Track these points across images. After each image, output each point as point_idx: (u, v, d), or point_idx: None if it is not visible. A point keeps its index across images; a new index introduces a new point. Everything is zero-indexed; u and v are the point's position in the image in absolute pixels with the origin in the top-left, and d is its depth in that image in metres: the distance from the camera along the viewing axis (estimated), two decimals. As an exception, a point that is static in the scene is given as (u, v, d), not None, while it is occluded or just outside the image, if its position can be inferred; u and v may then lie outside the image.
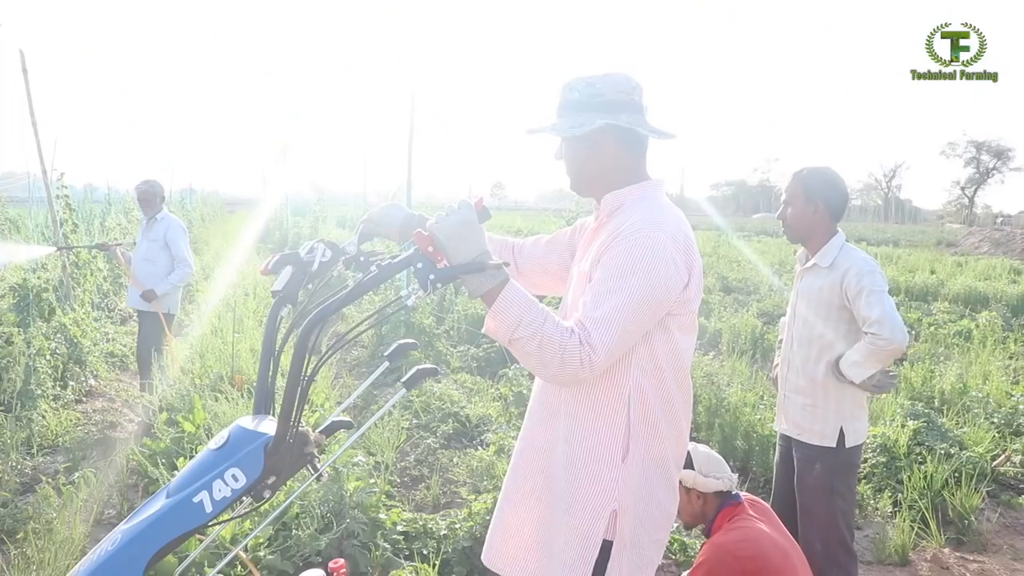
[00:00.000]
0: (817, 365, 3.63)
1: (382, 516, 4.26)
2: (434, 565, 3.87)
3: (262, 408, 2.17)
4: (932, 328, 11.99)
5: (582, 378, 1.95)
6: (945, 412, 7.03)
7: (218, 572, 3.26)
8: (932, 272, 21.90)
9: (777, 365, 3.95)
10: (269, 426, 2.04)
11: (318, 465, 2.06)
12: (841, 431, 3.56)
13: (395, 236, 2.44)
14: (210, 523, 1.97)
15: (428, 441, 6.06)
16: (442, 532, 4.22)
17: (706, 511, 3.32)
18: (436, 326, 9.27)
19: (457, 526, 4.22)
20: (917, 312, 13.83)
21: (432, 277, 1.94)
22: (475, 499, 4.56)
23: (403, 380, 2.18)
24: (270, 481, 1.99)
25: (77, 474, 5.19)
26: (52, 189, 8.77)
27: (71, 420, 6.56)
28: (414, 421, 6.43)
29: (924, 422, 6.22)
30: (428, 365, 2.21)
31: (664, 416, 2.17)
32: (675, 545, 4.47)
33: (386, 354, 2.26)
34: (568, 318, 2.05)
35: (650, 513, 2.19)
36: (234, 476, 1.94)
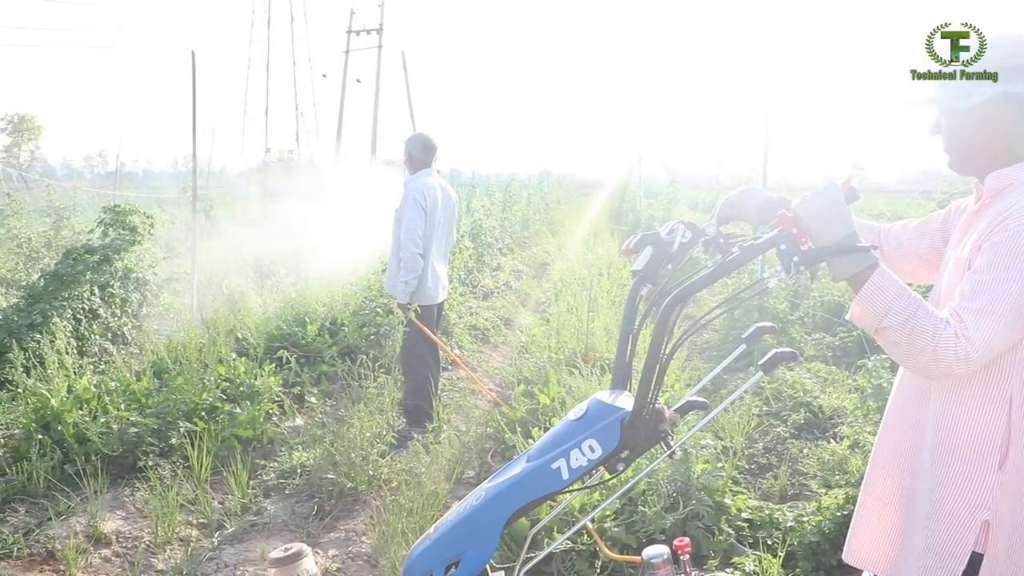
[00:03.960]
0: None
1: (727, 501, 4.22)
2: (779, 557, 3.78)
3: (620, 384, 2.23)
4: None
5: (956, 373, 1.79)
6: None
7: (567, 539, 3.42)
8: None
9: None
10: (626, 401, 2.09)
11: (671, 443, 2.08)
12: None
13: (753, 219, 2.38)
14: (564, 490, 2.06)
15: (777, 429, 5.91)
16: (788, 524, 4.09)
17: None
18: (790, 312, 9.01)
19: (805, 519, 4.08)
20: None
21: (796, 259, 1.88)
22: (826, 493, 4.40)
23: (761, 363, 2.14)
24: (624, 455, 2.04)
25: (443, 435, 5.62)
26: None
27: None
28: (764, 408, 6.30)
29: None
30: (786, 349, 2.15)
31: None
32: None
33: (744, 336, 2.23)
34: (942, 307, 1.91)
35: None
36: (591, 447, 2.02)
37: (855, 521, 2.34)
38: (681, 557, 2.34)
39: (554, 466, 2.04)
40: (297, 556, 2.45)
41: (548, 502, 2.22)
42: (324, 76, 65.57)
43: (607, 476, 2.14)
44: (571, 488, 2.08)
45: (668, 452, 2.08)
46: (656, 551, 2.29)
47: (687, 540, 2.37)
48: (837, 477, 4.69)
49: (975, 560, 1.96)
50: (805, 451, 5.45)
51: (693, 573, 2.35)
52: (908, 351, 1.82)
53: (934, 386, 2.04)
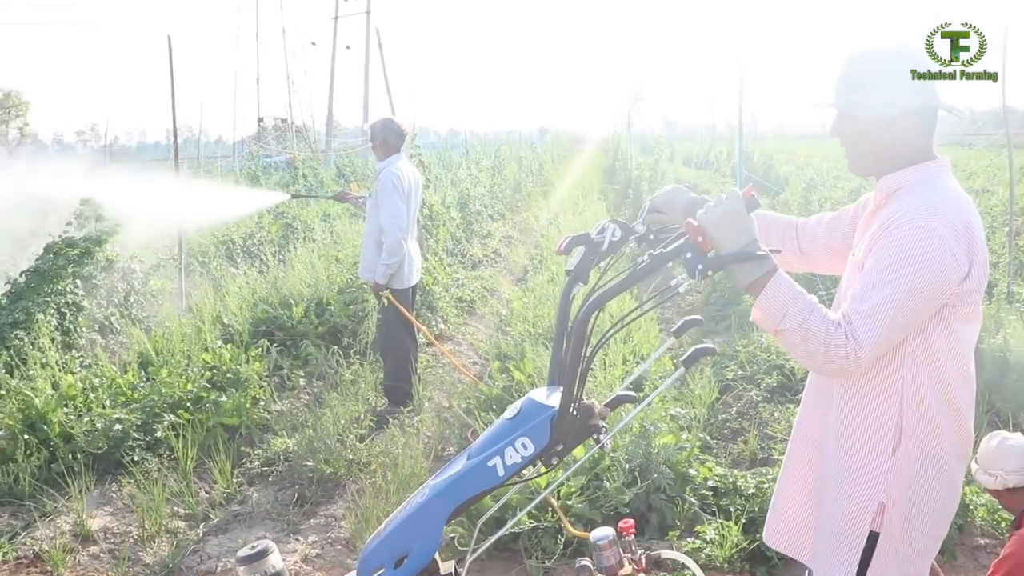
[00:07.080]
0: None
1: (692, 471, 4.36)
2: (738, 522, 3.93)
3: (556, 380, 2.35)
4: None
5: (848, 371, 1.94)
6: None
7: (525, 512, 3.55)
8: None
9: None
10: (558, 399, 2.21)
11: (601, 436, 2.21)
12: None
13: (679, 219, 2.45)
14: (502, 485, 2.19)
15: (751, 393, 6.03)
16: (750, 491, 4.24)
17: (1015, 503, 3.07)
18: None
19: (766, 486, 4.20)
20: None
21: (700, 267, 1.98)
22: (788, 457, 4.53)
23: (682, 359, 2.25)
24: (558, 449, 2.17)
25: (419, 415, 5.73)
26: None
27: (422, 363, 7.02)
28: (739, 372, 6.42)
29: None
30: (708, 344, 2.27)
31: (942, 409, 2.09)
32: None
33: (672, 331, 2.34)
34: (840, 307, 2.03)
35: (925, 507, 2.13)
36: (524, 444, 2.14)
37: (774, 507, 2.48)
38: (625, 537, 2.47)
39: (490, 464, 2.16)
40: (263, 554, 2.56)
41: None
42: (314, 44, 65.28)
43: (544, 469, 2.27)
44: (510, 483, 2.21)
45: (597, 444, 2.21)
46: (601, 533, 2.42)
47: (631, 522, 2.49)
48: (802, 440, 4.81)
49: (873, 538, 2.13)
50: (776, 414, 5.57)
51: (639, 551, 2.47)
52: (804, 352, 1.95)
53: (835, 381, 2.19)
